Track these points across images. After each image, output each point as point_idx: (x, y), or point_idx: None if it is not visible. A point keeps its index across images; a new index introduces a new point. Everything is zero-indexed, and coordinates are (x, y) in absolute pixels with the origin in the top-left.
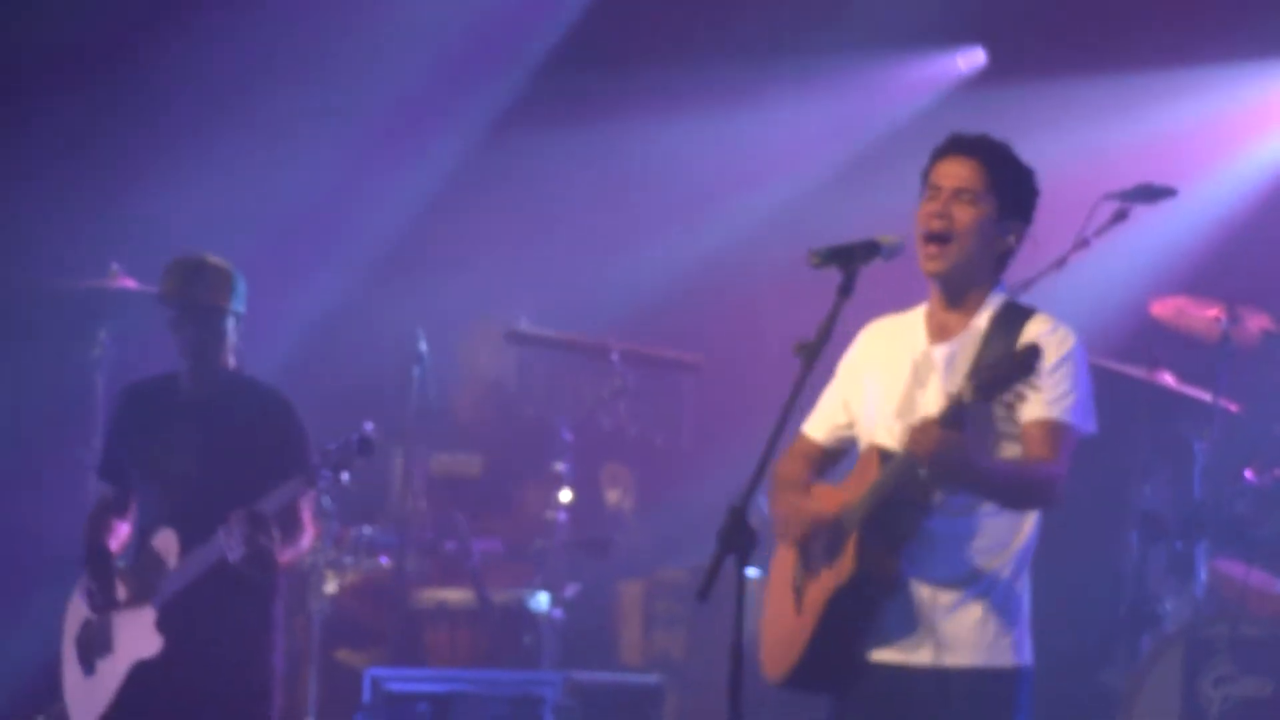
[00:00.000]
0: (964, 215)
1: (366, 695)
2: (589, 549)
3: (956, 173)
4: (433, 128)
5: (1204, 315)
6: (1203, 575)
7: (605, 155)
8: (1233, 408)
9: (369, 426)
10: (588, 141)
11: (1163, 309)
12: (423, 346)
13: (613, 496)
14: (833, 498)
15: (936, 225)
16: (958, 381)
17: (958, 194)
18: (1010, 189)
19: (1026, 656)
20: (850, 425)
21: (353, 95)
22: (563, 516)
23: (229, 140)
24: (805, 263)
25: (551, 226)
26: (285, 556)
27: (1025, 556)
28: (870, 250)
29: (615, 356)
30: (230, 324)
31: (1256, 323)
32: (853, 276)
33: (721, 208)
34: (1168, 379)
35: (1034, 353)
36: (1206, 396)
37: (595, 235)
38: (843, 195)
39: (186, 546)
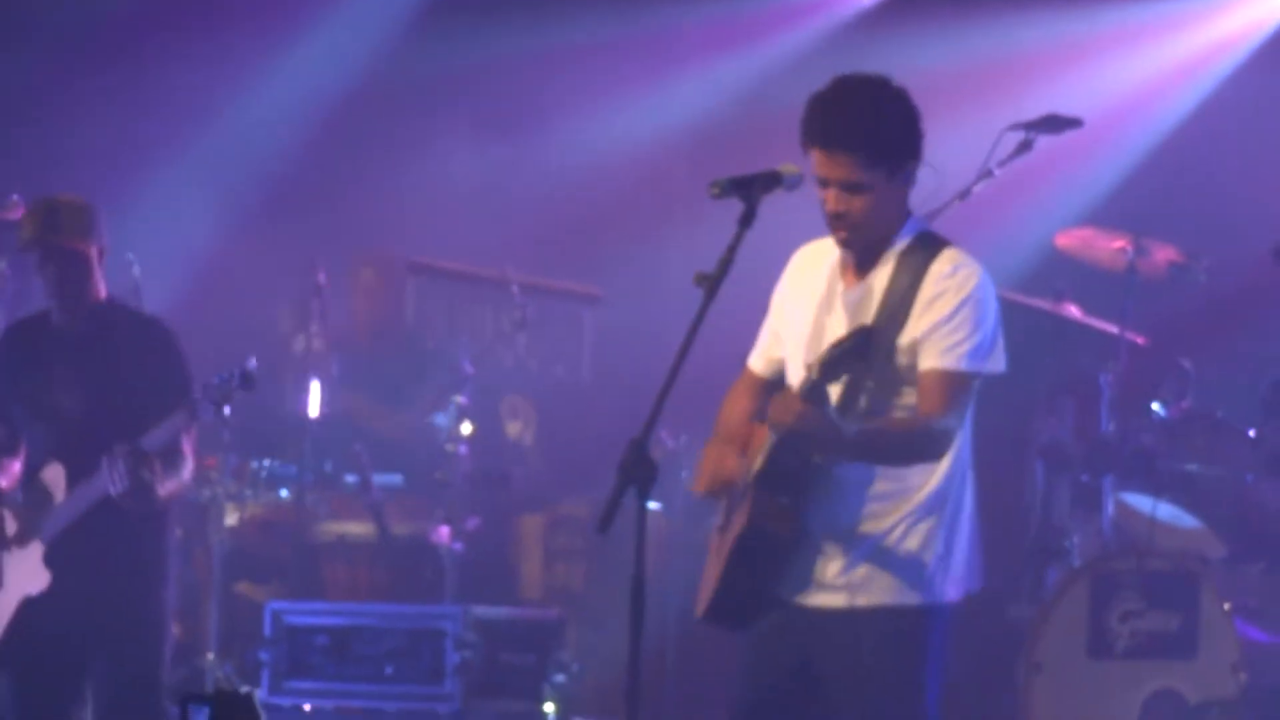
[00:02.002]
0: (859, 204)
1: (267, 628)
2: (490, 482)
3: (835, 166)
4: (328, 52)
5: (1110, 247)
6: (1109, 509)
7: (506, 84)
8: (1140, 340)
9: (252, 362)
10: (490, 69)
11: (1068, 240)
12: (321, 279)
13: (513, 429)
14: (761, 440)
15: (838, 223)
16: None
17: (845, 186)
18: (893, 151)
19: (944, 593)
20: (785, 357)
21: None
22: (463, 449)
23: (130, 72)
24: (706, 193)
25: (444, 158)
26: (166, 489)
27: (942, 495)
28: (771, 181)
29: (515, 288)
30: (94, 258)
31: (1163, 254)
32: (754, 207)
33: (624, 137)
34: (1073, 311)
35: (863, 335)
36: (1113, 329)
37: (494, 165)
38: (741, 124)
39: (73, 480)
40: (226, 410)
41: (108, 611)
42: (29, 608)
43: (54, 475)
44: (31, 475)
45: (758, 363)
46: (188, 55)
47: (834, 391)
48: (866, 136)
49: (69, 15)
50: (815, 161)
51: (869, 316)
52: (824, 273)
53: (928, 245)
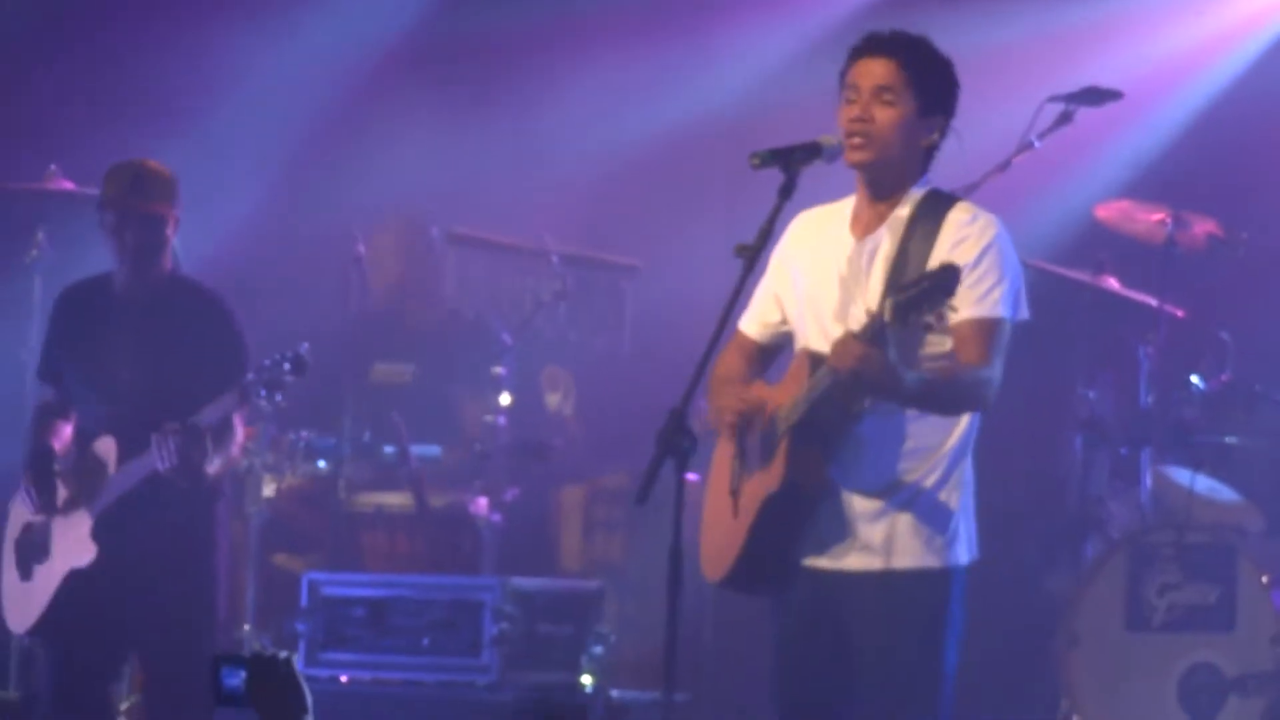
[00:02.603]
0: (884, 115)
1: (304, 599)
2: (529, 453)
3: (873, 72)
4: (366, 19)
5: (1149, 219)
6: (1148, 481)
7: (548, 54)
8: (1179, 313)
9: (304, 347)
10: (531, 38)
11: (1108, 213)
12: (360, 249)
13: (552, 400)
14: (769, 397)
15: (857, 128)
16: (881, 276)
17: (877, 93)
18: (930, 85)
19: (960, 557)
20: (784, 321)
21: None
22: (502, 421)
23: (169, 44)
24: (746, 164)
25: (487, 127)
26: (215, 467)
27: (959, 457)
28: (811, 152)
29: (555, 259)
30: (171, 228)
31: (1202, 227)
32: (794, 178)
33: (665, 108)
34: (1112, 283)
35: (952, 272)
36: (1152, 301)
37: (534, 136)
38: (789, 97)
39: (125, 452)
40: (278, 397)
41: (158, 584)
42: (75, 580)
43: (106, 447)
44: (82, 444)
45: (751, 327)
46: (222, 15)
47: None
48: (910, 49)
49: None
50: (852, 74)
51: (882, 267)
52: (833, 233)
53: (942, 199)
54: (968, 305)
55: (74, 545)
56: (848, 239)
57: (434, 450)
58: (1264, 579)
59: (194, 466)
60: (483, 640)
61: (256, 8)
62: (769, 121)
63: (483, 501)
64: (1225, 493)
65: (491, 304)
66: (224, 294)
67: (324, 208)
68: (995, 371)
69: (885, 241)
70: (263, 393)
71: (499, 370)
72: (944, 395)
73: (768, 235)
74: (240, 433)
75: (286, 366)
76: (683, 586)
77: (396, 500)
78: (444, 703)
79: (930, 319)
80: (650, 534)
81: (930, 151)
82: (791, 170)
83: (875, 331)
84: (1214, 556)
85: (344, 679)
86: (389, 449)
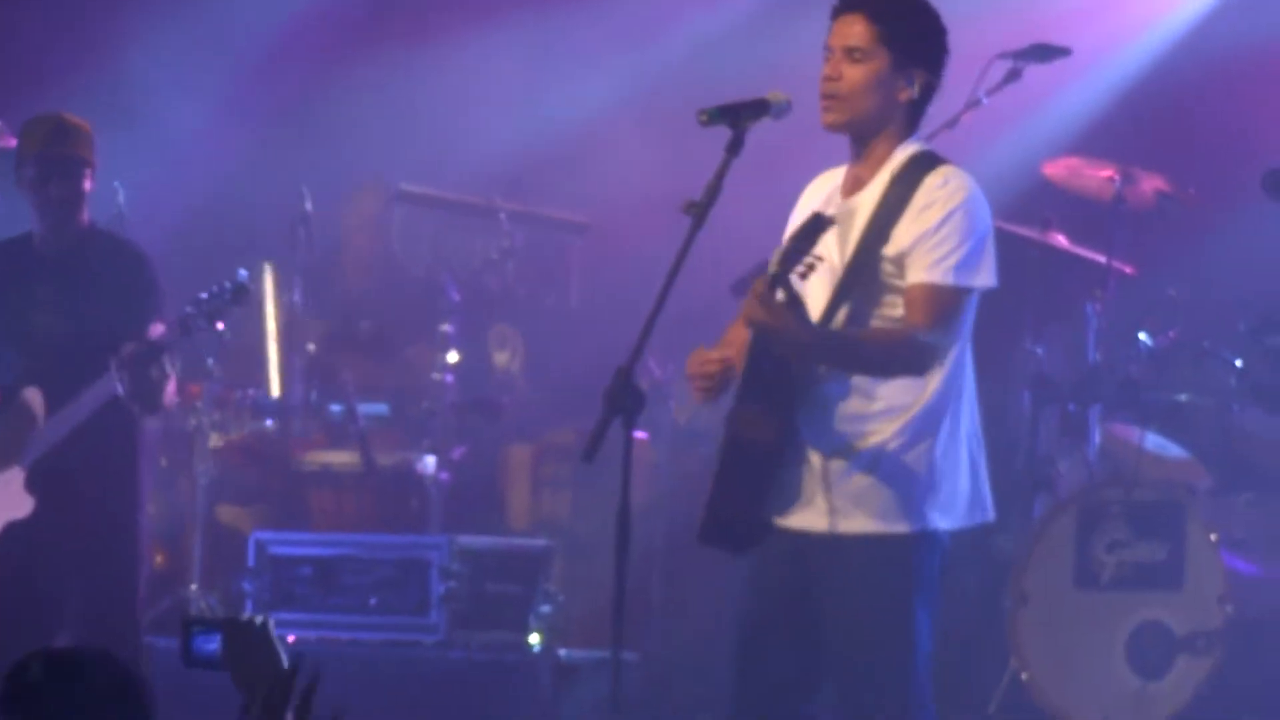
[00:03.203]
0: (853, 74)
1: (251, 558)
2: (477, 411)
3: (845, 31)
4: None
5: (1097, 175)
6: (1096, 439)
7: (495, 11)
8: (1127, 269)
9: (242, 273)
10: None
11: (1055, 169)
12: (308, 206)
13: (500, 358)
14: (722, 354)
15: (826, 87)
16: (857, 237)
17: (848, 53)
18: (905, 38)
19: (932, 521)
20: None
21: None
22: (449, 378)
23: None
24: (694, 120)
25: (435, 85)
26: (169, 395)
27: (935, 416)
28: (759, 109)
29: (502, 216)
30: (89, 179)
31: (1150, 184)
32: (741, 135)
33: (613, 64)
34: (1060, 240)
35: (814, 222)
36: (1100, 258)
37: (480, 94)
38: (741, 51)
39: (52, 403)
40: (220, 326)
41: (83, 538)
42: (11, 532)
43: (32, 399)
44: (5, 398)
45: None
46: None
47: (816, 301)
48: (881, 5)
49: None
50: (829, 34)
51: (860, 227)
52: (829, 194)
53: (926, 161)
54: (919, 270)
55: (9, 498)
56: (837, 198)
57: (381, 408)
58: (1212, 537)
59: (154, 386)
60: (430, 599)
61: None
62: (721, 77)
63: (430, 460)
64: (1173, 450)
65: (437, 261)
66: (137, 244)
67: (272, 167)
68: (935, 338)
69: (866, 203)
70: (203, 323)
71: (446, 328)
72: (864, 356)
73: (715, 192)
74: (174, 381)
75: (227, 296)
76: (630, 545)
77: (344, 458)
78: (392, 661)
79: (803, 269)
80: (598, 493)
81: (913, 107)
82: (739, 127)
83: (773, 280)
84: (1162, 514)
85: (291, 638)
86: (336, 407)
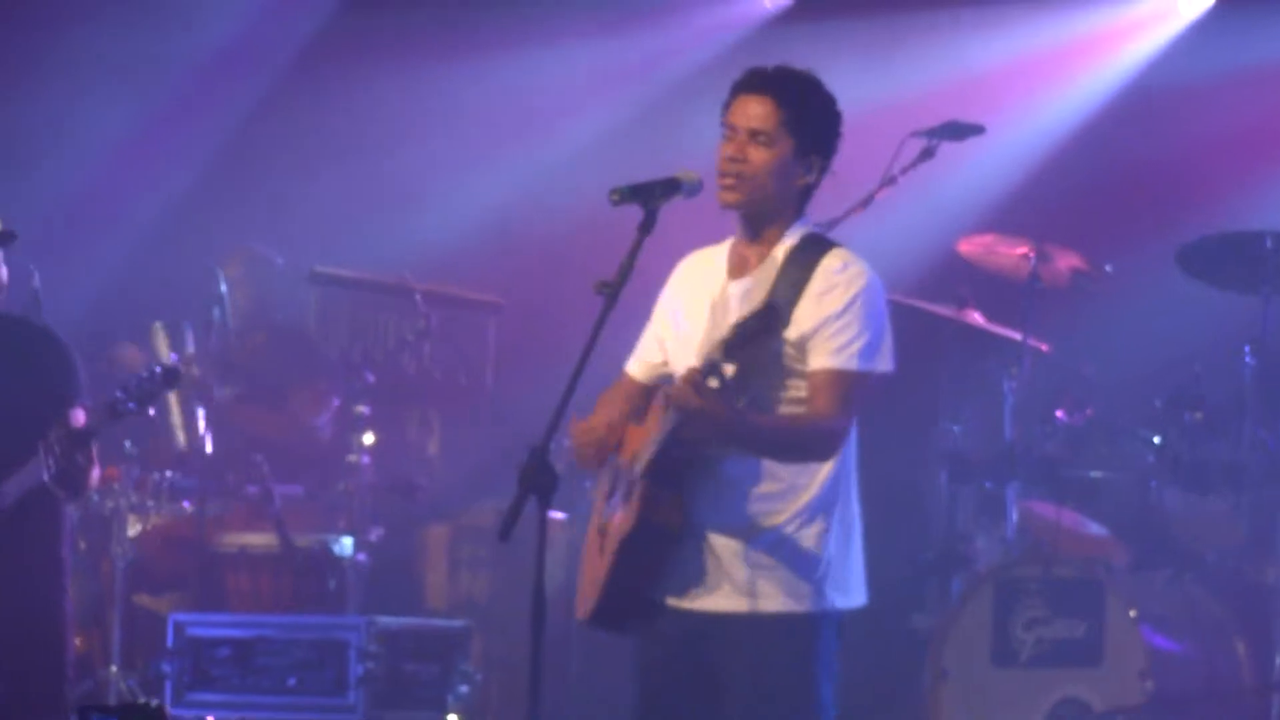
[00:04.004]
0: (758, 157)
1: (170, 640)
2: (394, 492)
3: (751, 112)
4: (230, 72)
5: (1013, 253)
6: (1014, 516)
7: (405, 96)
8: (1043, 347)
9: (174, 357)
10: (386, 83)
11: (971, 247)
12: (222, 288)
13: (417, 438)
14: (634, 437)
15: (731, 168)
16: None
17: (753, 135)
18: (808, 126)
19: (831, 601)
20: (665, 363)
21: (153, 37)
22: (366, 459)
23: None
24: (606, 201)
25: (350, 167)
26: (93, 480)
27: (828, 498)
28: (670, 187)
29: (418, 297)
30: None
31: (1066, 261)
32: (653, 214)
33: (525, 147)
34: (976, 318)
35: (772, 313)
36: (1016, 335)
37: (394, 176)
38: (648, 134)
39: None
40: (150, 410)
41: (7, 620)
42: None
43: None
44: None
45: (636, 368)
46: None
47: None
48: (788, 91)
49: None
50: (731, 112)
51: (750, 308)
52: (709, 275)
53: (818, 244)
54: (824, 355)
55: None
56: (722, 279)
57: (297, 490)
58: (1131, 613)
59: (80, 471)
60: (348, 680)
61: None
62: (634, 157)
63: (347, 541)
64: (1091, 527)
65: (353, 341)
66: (55, 330)
67: (187, 251)
68: (841, 423)
69: (756, 284)
70: (133, 405)
71: (363, 409)
72: (783, 443)
73: (628, 271)
74: (95, 460)
75: (158, 379)
76: (547, 624)
77: (261, 540)
78: None
79: (765, 355)
80: (515, 572)
81: (807, 191)
82: (651, 206)
83: (712, 368)
84: (1081, 591)
85: (210, 719)
86: (252, 489)
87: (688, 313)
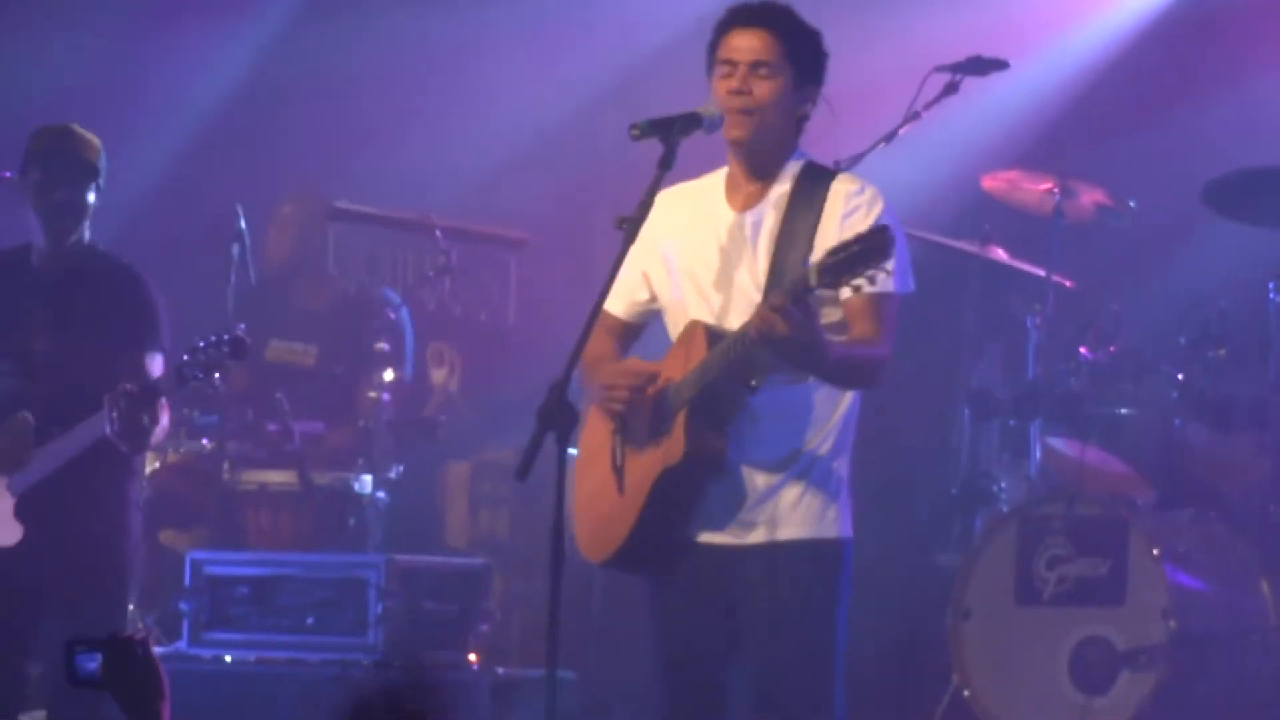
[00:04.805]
0: (764, 88)
1: (187, 579)
2: (414, 430)
3: (750, 45)
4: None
5: (1036, 189)
6: (1037, 453)
7: (433, 28)
8: (1067, 283)
9: (241, 327)
10: (405, 17)
11: (994, 183)
12: (242, 224)
13: (438, 376)
14: (656, 371)
15: (737, 102)
16: (767, 249)
17: (754, 67)
18: (804, 55)
19: (847, 528)
20: (652, 299)
21: None
22: (386, 397)
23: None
24: (628, 135)
25: (371, 101)
26: (156, 437)
27: (846, 428)
28: (691, 122)
29: (439, 233)
30: (94, 192)
31: (1090, 196)
32: (673, 149)
33: (547, 81)
34: (1000, 254)
35: (887, 235)
36: (1040, 272)
37: (417, 110)
38: (675, 66)
39: (44, 431)
40: (216, 377)
41: (72, 567)
42: None
43: (24, 426)
44: None
45: (617, 305)
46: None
47: (740, 317)
48: (785, 20)
49: None
50: (725, 48)
51: (769, 238)
52: (706, 207)
53: (823, 171)
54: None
55: None
56: (726, 212)
57: (318, 427)
58: (1155, 551)
59: (142, 431)
60: (368, 619)
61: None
62: (654, 91)
63: (367, 479)
64: (1115, 464)
65: (372, 278)
66: (136, 266)
67: (206, 185)
68: (890, 348)
69: (769, 215)
70: (200, 374)
71: (383, 346)
72: (850, 368)
73: (648, 207)
74: (166, 417)
75: (225, 349)
76: (567, 563)
77: (280, 478)
78: (329, 681)
79: (861, 281)
80: (536, 510)
81: (803, 122)
82: (671, 141)
83: (799, 298)
84: (1104, 529)
85: (228, 659)
86: (272, 426)
87: (686, 246)
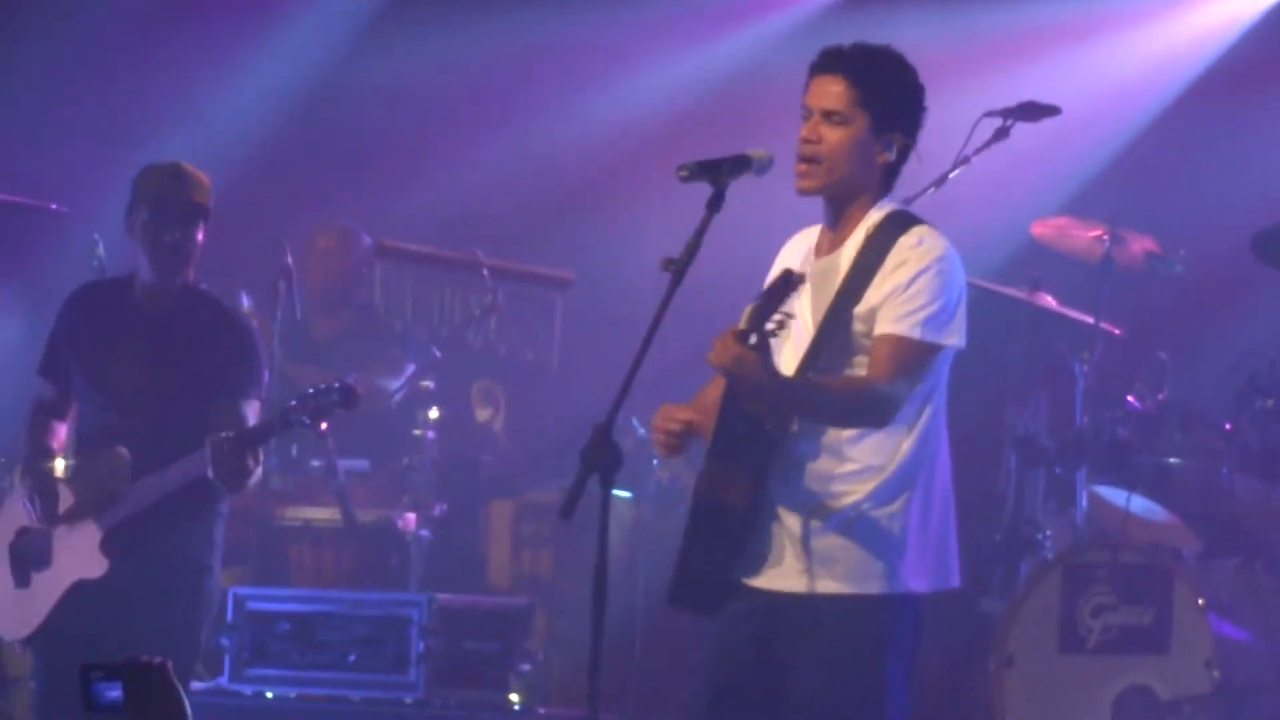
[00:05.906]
0: (833, 136)
1: (229, 614)
2: (458, 468)
3: (824, 92)
4: (293, 35)
5: (1086, 236)
6: (1083, 501)
7: (480, 69)
8: (1115, 331)
9: (352, 378)
10: (464, 54)
11: (1044, 229)
12: (289, 260)
13: (483, 415)
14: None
15: (806, 150)
16: (831, 298)
17: (826, 115)
18: (884, 101)
19: (906, 584)
20: None
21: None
22: (431, 435)
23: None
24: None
25: (418, 139)
26: (253, 482)
27: (909, 478)
28: (740, 165)
29: (485, 272)
30: (202, 230)
31: (1139, 244)
32: (722, 190)
33: (598, 120)
34: (1048, 300)
35: (786, 279)
36: (1088, 319)
37: (466, 148)
38: (724, 108)
39: (139, 467)
40: (323, 426)
41: (154, 604)
42: (81, 592)
43: (119, 460)
44: (86, 449)
45: None
46: (165, 47)
47: (789, 362)
48: (861, 67)
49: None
50: (806, 94)
51: (834, 287)
52: (802, 253)
53: (900, 222)
54: (885, 323)
55: (82, 556)
56: (812, 259)
57: (362, 464)
58: (1199, 601)
59: (243, 475)
60: (409, 657)
61: (197, 37)
62: (704, 132)
63: (411, 517)
64: (1161, 514)
65: (419, 316)
66: (244, 314)
67: (254, 222)
68: (895, 389)
69: (841, 263)
70: (306, 420)
71: (428, 384)
72: (823, 403)
73: (695, 249)
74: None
75: (335, 397)
76: (609, 604)
77: (324, 515)
78: (370, 719)
79: (773, 324)
80: (579, 550)
81: (889, 169)
82: (720, 183)
83: (742, 336)
84: (1149, 578)
85: (269, 695)
86: (316, 463)
87: None
